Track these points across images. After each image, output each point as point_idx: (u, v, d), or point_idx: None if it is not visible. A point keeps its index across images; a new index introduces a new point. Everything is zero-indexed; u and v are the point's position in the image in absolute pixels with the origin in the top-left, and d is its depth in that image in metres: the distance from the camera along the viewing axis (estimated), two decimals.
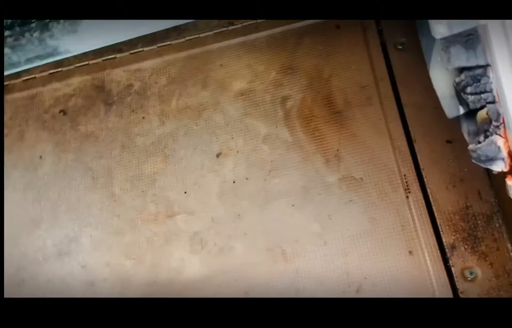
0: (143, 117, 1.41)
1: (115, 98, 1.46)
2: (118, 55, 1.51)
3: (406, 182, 1.15)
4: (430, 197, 1.13)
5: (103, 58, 1.52)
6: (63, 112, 1.48)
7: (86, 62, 1.52)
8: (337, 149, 1.22)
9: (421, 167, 1.16)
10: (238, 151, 1.29)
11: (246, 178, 1.25)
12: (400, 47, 1.30)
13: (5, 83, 1.56)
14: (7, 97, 1.54)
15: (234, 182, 1.26)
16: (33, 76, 1.55)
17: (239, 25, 1.46)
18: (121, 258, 1.25)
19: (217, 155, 1.30)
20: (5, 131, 1.49)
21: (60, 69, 1.54)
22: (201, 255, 1.21)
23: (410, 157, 1.17)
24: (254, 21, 1.45)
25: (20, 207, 1.38)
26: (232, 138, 1.31)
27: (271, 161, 1.26)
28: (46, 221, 1.34)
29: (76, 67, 1.53)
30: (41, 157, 1.42)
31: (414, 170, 1.16)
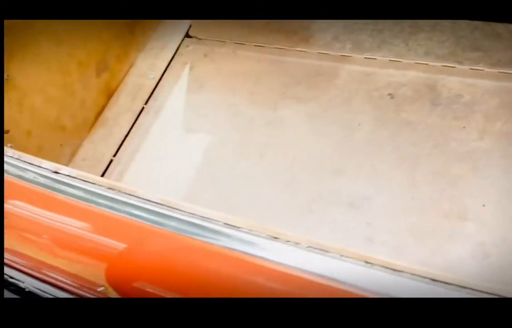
0: (463, 127, 1.46)
1: (442, 101, 1.54)
2: (458, 66, 1.59)
3: None
4: None
5: (443, 64, 1.61)
6: (391, 96, 1.62)
7: (426, 63, 1.64)
8: None
9: None
10: None
11: None
12: None
13: (345, 55, 1.75)
14: (345, 67, 1.74)
15: None
16: (374, 57, 1.72)
17: None
18: (406, 235, 1.31)
19: None
20: (335, 92, 1.68)
21: (400, 60, 1.68)
22: (481, 266, 1.22)
23: None
24: None
25: (326, 154, 1.54)
26: None
27: None
28: (348, 174, 1.48)
29: (415, 63, 1.66)
30: (359, 124, 1.58)
31: None
